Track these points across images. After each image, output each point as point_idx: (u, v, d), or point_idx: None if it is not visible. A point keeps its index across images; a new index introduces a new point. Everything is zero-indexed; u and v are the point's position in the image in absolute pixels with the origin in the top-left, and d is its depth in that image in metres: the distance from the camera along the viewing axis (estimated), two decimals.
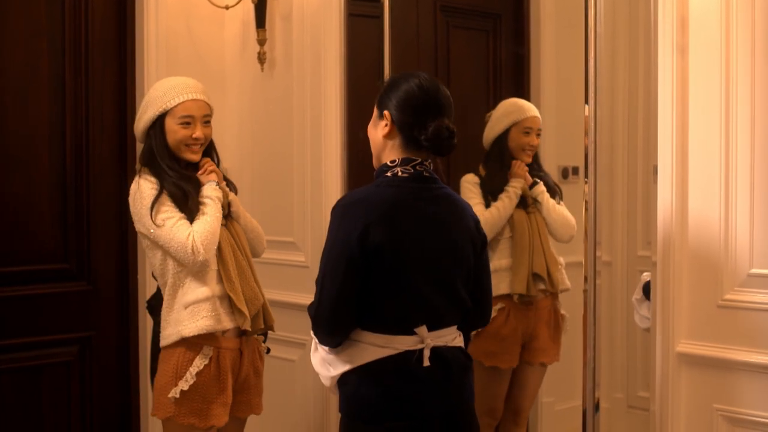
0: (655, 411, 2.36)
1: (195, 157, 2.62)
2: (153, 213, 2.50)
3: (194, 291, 2.51)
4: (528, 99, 3.44)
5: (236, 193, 2.76)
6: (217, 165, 2.71)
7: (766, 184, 2.15)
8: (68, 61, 3.37)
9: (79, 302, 3.42)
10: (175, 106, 2.56)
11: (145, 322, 3.47)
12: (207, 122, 2.63)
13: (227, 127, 3.68)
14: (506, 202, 3.07)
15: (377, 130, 2.26)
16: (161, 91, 2.59)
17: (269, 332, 2.73)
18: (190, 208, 2.52)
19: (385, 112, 2.17)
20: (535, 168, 3.17)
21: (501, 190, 3.09)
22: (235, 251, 2.59)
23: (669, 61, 2.30)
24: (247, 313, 2.52)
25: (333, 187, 3.32)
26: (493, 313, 3.06)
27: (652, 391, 2.38)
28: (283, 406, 3.54)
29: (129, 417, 3.52)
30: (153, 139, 2.59)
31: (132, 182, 2.61)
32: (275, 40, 3.57)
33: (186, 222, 2.50)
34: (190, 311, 2.50)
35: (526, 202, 3.10)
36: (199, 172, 2.63)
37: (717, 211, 2.23)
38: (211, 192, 2.56)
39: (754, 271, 2.17)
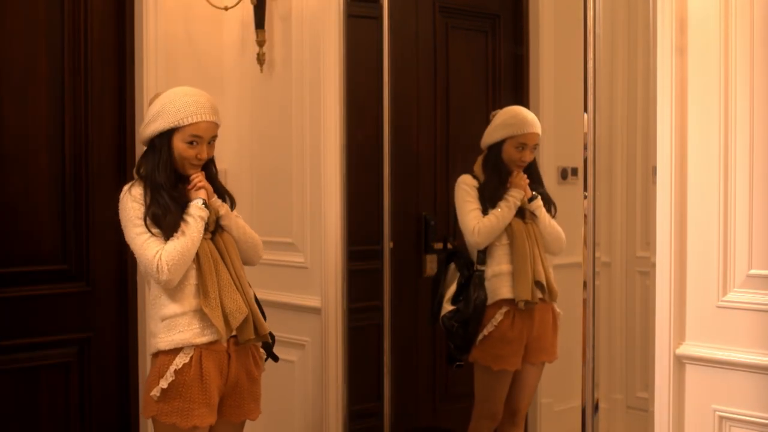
0: (654, 412, 2.36)
1: (195, 171, 2.62)
2: (131, 225, 2.54)
3: (170, 305, 2.54)
4: (527, 100, 3.44)
5: (234, 204, 2.73)
6: (215, 175, 2.69)
7: (764, 184, 2.15)
8: (67, 61, 3.37)
9: (77, 303, 3.42)
10: (187, 126, 2.54)
11: (144, 322, 3.47)
12: (212, 142, 2.62)
13: (226, 128, 3.66)
14: (505, 211, 3.09)
15: None
16: (176, 106, 2.54)
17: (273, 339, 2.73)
18: (169, 223, 2.52)
19: None
20: (534, 180, 3.17)
21: (500, 198, 3.10)
22: (217, 264, 2.57)
23: (668, 62, 2.29)
24: (222, 329, 2.52)
25: (332, 188, 3.32)
26: (499, 317, 3.07)
27: (651, 392, 2.37)
28: (282, 407, 3.54)
29: (128, 418, 3.52)
30: (157, 151, 2.57)
31: (125, 185, 2.61)
32: (274, 41, 3.57)
33: (158, 239, 2.52)
34: (166, 325, 2.54)
35: (523, 214, 3.11)
36: (189, 186, 2.61)
37: (716, 212, 2.23)
38: (194, 211, 2.55)
39: (753, 271, 2.17)
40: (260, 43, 3.54)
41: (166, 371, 2.50)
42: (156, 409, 2.51)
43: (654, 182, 2.36)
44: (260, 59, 3.55)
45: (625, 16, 3.06)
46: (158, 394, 2.50)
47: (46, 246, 3.34)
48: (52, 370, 3.34)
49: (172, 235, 2.52)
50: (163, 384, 2.49)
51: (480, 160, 3.20)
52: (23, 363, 3.27)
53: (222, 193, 2.70)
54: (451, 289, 3.20)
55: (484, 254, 3.13)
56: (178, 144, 2.56)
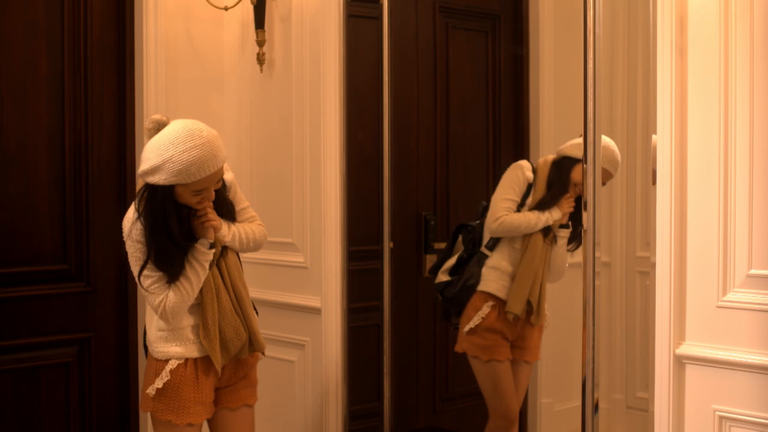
0: (654, 412, 2.36)
1: (201, 207, 2.50)
2: (135, 266, 2.50)
3: None
4: (527, 100, 3.44)
5: (234, 217, 2.65)
6: (222, 192, 2.59)
7: (764, 184, 2.15)
8: (67, 61, 3.37)
9: (78, 303, 3.42)
10: (190, 183, 2.39)
11: (144, 322, 3.47)
12: (219, 180, 2.50)
13: (226, 128, 3.68)
14: (536, 222, 3.06)
15: None
16: (177, 166, 2.34)
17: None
18: (173, 269, 2.47)
19: None
20: (579, 214, 3.12)
21: (540, 207, 3.07)
22: (219, 290, 2.55)
23: (668, 62, 2.30)
24: (218, 362, 2.53)
25: (332, 188, 3.32)
26: (486, 309, 3.09)
27: (651, 392, 2.38)
28: (282, 406, 3.54)
29: (128, 418, 3.52)
30: (159, 198, 2.42)
31: (129, 215, 2.50)
32: (274, 41, 3.57)
33: (161, 285, 2.48)
34: (162, 336, 2.57)
35: (547, 233, 3.09)
36: (197, 220, 2.51)
37: (716, 212, 2.23)
38: (200, 256, 2.48)
39: (753, 271, 2.17)
40: (260, 43, 3.54)
41: (162, 371, 2.54)
42: (152, 406, 2.56)
43: (654, 182, 2.36)
44: (260, 59, 3.55)
45: (625, 16, 3.06)
46: (153, 393, 2.54)
47: (46, 246, 3.34)
48: (53, 369, 3.34)
49: (176, 275, 2.47)
50: (158, 384, 2.53)
51: (550, 159, 3.13)
52: (24, 363, 3.28)
53: (227, 209, 2.62)
54: (452, 260, 3.22)
55: (495, 242, 3.13)
56: (183, 194, 2.42)
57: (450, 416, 3.62)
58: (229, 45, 3.75)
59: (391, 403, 3.39)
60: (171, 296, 2.47)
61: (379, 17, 3.31)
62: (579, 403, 2.62)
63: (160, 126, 2.43)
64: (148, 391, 2.56)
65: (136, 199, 2.48)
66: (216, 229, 2.53)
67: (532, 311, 3.08)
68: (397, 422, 3.42)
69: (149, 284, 2.49)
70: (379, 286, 3.39)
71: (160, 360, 2.56)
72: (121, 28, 3.50)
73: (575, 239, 3.12)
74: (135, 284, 3.49)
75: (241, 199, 2.73)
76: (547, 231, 3.09)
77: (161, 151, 2.36)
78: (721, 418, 2.23)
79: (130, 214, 2.50)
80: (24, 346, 3.27)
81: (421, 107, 3.63)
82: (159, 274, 2.48)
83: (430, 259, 3.57)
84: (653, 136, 2.36)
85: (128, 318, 3.51)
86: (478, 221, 3.22)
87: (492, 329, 3.10)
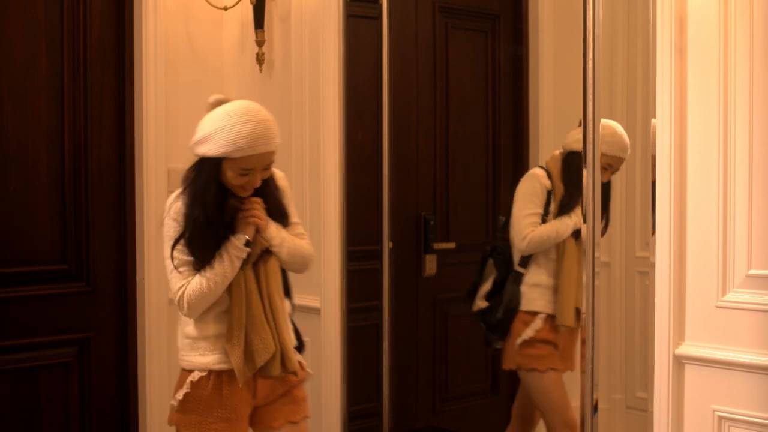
0: (653, 412, 2.36)
1: (246, 194, 2.42)
2: (166, 246, 2.42)
3: (193, 325, 2.44)
4: (527, 100, 3.44)
5: (288, 222, 2.53)
6: (275, 193, 2.51)
7: (764, 185, 2.15)
8: (67, 61, 3.37)
9: (77, 303, 3.42)
10: (237, 158, 2.32)
11: (144, 322, 3.47)
12: (268, 167, 2.42)
13: None
14: (565, 228, 2.99)
15: None
16: (227, 137, 2.30)
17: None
18: (202, 254, 2.37)
19: None
20: (603, 203, 3.03)
21: (565, 210, 3.00)
22: (250, 295, 2.40)
23: (668, 62, 2.30)
24: (240, 371, 2.37)
25: (332, 189, 3.32)
26: (540, 322, 3.02)
27: (651, 392, 2.37)
28: None
29: (128, 419, 3.52)
30: (205, 171, 2.36)
31: (174, 193, 2.44)
32: (274, 41, 3.57)
33: (186, 270, 2.38)
34: (189, 344, 2.45)
35: (578, 234, 2.95)
36: (241, 214, 2.42)
37: (715, 211, 2.23)
38: (233, 250, 2.37)
39: (753, 272, 2.17)
40: (259, 43, 3.54)
41: (184, 383, 2.43)
42: (176, 419, 2.45)
43: (654, 182, 2.36)
44: (259, 59, 3.55)
45: (625, 16, 3.06)
46: (176, 405, 2.44)
47: (46, 246, 3.34)
48: (52, 370, 3.35)
49: (204, 263, 2.37)
50: (179, 395, 2.42)
51: (559, 157, 3.06)
52: (23, 363, 3.28)
53: (280, 213, 2.51)
54: (487, 285, 3.15)
55: (528, 257, 3.05)
56: (228, 171, 2.35)
57: (450, 416, 3.62)
58: (228, 45, 3.76)
59: (390, 403, 3.39)
60: (193, 283, 2.35)
61: (379, 17, 3.31)
62: (579, 403, 2.62)
63: (220, 104, 2.42)
64: (171, 403, 2.46)
65: (184, 175, 2.41)
66: (260, 228, 2.42)
67: (580, 317, 3.02)
68: (396, 422, 3.42)
69: (176, 265, 2.38)
70: (378, 286, 3.39)
71: (186, 370, 2.44)
72: (121, 28, 3.50)
73: (605, 230, 2.99)
74: (135, 284, 3.50)
75: (293, 212, 2.61)
76: (578, 233, 2.96)
77: (215, 121, 2.34)
78: (721, 418, 2.23)
79: (175, 193, 2.44)
80: (24, 346, 3.28)
81: (421, 107, 3.63)
82: (188, 258, 2.37)
83: (430, 259, 3.58)
84: (653, 136, 2.36)
85: (128, 318, 3.51)
86: (501, 239, 3.13)
87: (546, 340, 3.02)
